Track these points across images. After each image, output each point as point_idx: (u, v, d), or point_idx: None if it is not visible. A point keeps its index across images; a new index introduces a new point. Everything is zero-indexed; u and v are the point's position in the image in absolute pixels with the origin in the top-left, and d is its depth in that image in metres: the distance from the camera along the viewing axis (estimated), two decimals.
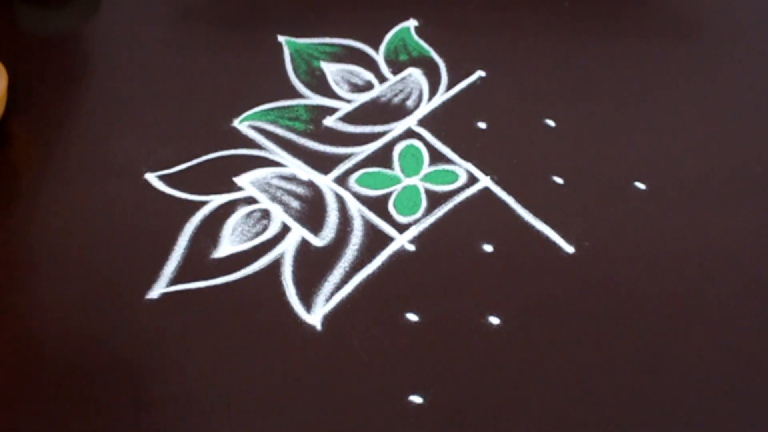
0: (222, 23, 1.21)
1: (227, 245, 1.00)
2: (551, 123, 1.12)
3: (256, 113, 1.11)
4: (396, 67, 1.17)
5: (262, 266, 0.98)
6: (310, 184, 1.05)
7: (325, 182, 1.06)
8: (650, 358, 0.94)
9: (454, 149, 1.09)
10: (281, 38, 1.19)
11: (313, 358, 0.92)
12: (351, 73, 1.16)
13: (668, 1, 1.27)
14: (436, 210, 1.04)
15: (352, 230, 1.02)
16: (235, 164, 1.06)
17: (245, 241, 1.00)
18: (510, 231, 1.02)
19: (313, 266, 0.99)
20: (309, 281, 0.97)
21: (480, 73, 1.16)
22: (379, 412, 0.89)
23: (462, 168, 1.07)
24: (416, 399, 0.90)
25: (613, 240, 1.02)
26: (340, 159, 1.08)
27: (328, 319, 0.95)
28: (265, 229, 1.01)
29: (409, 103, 1.13)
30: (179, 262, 0.98)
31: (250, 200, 1.04)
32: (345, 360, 0.92)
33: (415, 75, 1.16)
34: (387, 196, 1.05)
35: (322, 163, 1.07)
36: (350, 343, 0.93)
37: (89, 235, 1.01)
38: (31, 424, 0.88)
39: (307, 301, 0.96)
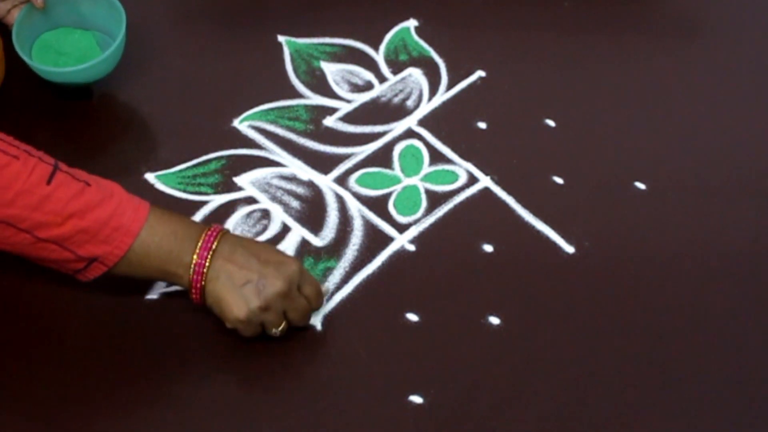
0: (222, 23, 1.21)
1: None
2: (551, 123, 1.12)
3: (256, 113, 1.11)
4: (396, 67, 1.17)
5: None
6: (310, 184, 1.05)
7: (325, 182, 1.05)
8: (649, 357, 0.94)
9: (454, 149, 1.09)
10: (281, 38, 1.19)
11: (313, 358, 0.93)
12: (351, 73, 1.16)
13: (668, 1, 1.27)
14: (436, 210, 1.04)
15: (352, 230, 1.01)
16: (235, 164, 1.06)
17: None
18: (510, 231, 1.02)
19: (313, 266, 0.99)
20: None
21: (480, 73, 1.16)
22: (379, 412, 0.89)
23: (462, 168, 1.07)
24: (416, 399, 0.90)
25: (613, 240, 1.02)
26: (340, 159, 1.08)
27: (328, 319, 0.95)
28: (265, 229, 1.01)
29: (409, 103, 1.13)
30: None
31: (250, 200, 1.04)
32: (345, 360, 0.92)
33: (415, 75, 1.16)
34: (387, 196, 1.05)
35: (322, 163, 1.07)
36: (350, 343, 0.93)
37: None
38: (31, 424, 0.88)
39: None
